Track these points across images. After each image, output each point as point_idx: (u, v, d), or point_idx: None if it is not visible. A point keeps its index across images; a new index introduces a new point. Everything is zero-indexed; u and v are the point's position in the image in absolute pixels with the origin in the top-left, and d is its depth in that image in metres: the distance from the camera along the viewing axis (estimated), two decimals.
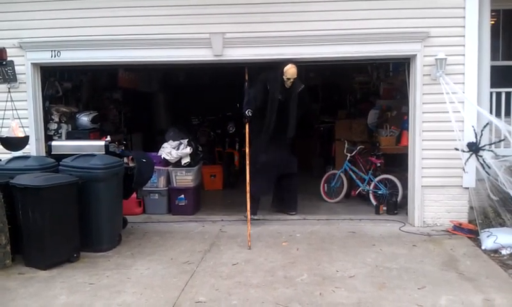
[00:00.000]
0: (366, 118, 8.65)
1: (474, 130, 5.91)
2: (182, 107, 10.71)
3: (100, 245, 5.52)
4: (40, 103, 6.82)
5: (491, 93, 6.57)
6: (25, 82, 6.63)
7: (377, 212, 7.11)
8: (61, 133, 7.26)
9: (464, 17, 6.15)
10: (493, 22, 6.96)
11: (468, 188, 6.29)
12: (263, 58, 6.44)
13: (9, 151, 6.11)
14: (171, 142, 7.49)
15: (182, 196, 7.23)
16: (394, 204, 7.09)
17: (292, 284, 4.51)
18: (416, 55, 6.26)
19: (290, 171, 6.97)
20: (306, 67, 7.62)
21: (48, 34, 6.55)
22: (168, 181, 7.32)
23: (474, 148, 5.89)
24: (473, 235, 5.87)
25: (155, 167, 6.84)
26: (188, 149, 7.29)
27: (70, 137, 7.23)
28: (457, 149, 6.03)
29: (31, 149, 6.51)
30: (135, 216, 6.96)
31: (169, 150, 7.31)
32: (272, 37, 6.36)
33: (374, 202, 7.38)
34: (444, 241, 5.79)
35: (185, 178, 7.27)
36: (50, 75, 7.21)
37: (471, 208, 6.20)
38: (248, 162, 6.25)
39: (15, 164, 5.52)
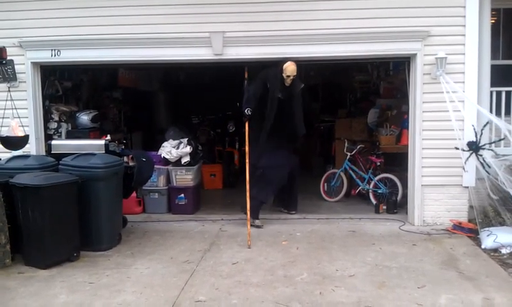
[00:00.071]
0: (366, 117, 8.63)
1: (474, 129, 5.91)
2: (182, 106, 10.69)
3: (100, 245, 5.51)
4: (39, 103, 6.82)
5: (491, 92, 6.57)
6: (25, 81, 6.62)
7: (377, 211, 7.11)
8: (60, 133, 7.26)
9: (464, 16, 6.14)
10: (493, 21, 6.95)
11: (468, 187, 6.29)
12: (262, 57, 6.43)
13: (9, 151, 6.11)
14: (171, 141, 7.49)
15: (182, 195, 7.22)
16: (394, 203, 7.09)
17: (292, 283, 4.51)
18: (416, 54, 6.25)
19: (291, 170, 6.95)
20: (306, 66, 7.62)
21: (48, 33, 6.54)
22: (168, 180, 7.31)
23: (474, 147, 5.90)
24: (473, 234, 5.88)
25: (155, 166, 6.83)
26: (188, 149, 7.29)
27: (69, 136, 7.21)
28: (457, 148, 6.04)
29: (30, 148, 6.51)
30: (135, 215, 6.96)
31: (169, 149, 7.30)
32: (272, 36, 6.34)
33: (373, 201, 7.38)
34: (444, 240, 5.79)
35: (185, 177, 7.27)
36: (50, 74, 7.20)
37: (471, 207, 6.21)
38: (247, 161, 6.24)
39: (15, 163, 5.52)
